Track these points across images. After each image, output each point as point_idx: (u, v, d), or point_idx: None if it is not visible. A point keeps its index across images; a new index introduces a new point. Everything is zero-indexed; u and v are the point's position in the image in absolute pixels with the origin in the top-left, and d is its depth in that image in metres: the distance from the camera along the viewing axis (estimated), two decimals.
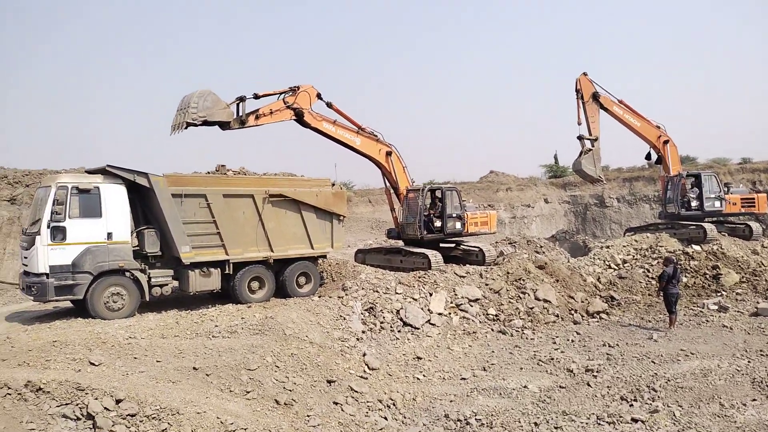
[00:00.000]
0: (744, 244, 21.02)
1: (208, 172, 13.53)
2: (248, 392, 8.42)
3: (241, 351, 9.37)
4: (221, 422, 7.25)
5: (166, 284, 12.18)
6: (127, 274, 11.53)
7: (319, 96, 15.52)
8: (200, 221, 12.33)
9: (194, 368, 8.67)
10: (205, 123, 13.32)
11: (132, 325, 10.38)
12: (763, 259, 19.45)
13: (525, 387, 10.07)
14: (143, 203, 12.68)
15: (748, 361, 10.51)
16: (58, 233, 10.74)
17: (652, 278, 16.99)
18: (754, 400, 8.86)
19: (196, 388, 8.15)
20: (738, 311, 14.69)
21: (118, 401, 7.11)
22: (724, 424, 8.13)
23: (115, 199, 11.48)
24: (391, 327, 12.44)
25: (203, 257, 12.32)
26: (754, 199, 23.10)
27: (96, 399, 7.03)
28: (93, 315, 10.96)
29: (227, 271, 12.70)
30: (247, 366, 8.96)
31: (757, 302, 15.22)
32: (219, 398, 8.04)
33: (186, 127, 13.03)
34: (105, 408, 6.96)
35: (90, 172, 12.35)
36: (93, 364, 8.18)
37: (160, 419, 7.05)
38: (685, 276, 17.54)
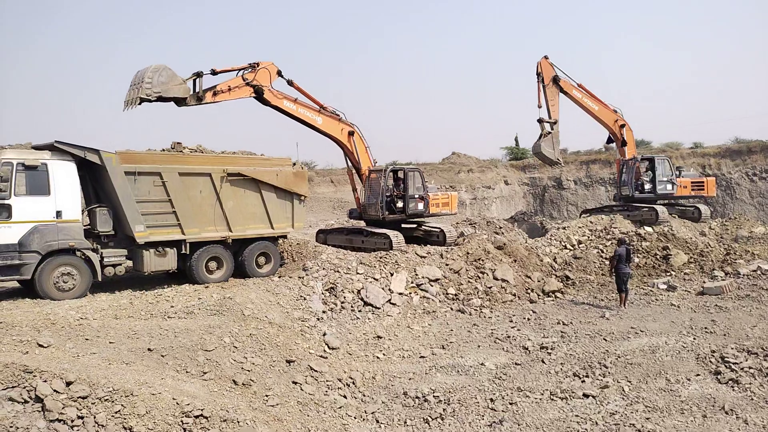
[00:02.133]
0: (693, 226, 21.91)
1: (164, 150, 13.11)
2: (205, 373, 8.31)
3: (198, 332, 9.22)
4: (177, 403, 7.13)
5: (120, 264, 11.84)
6: (78, 253, 11.15)
7: (279, 74, 15.21)
8: (155, 200, 12.00)
9: (149, 349, 8.49)
10: (160, 99, 12.87)
11: (83, 305, 10.07)
12: (710, 240, 20.33)
13: (482, 364, 10.27)
14: (95, 181, 12.24)
15: (694, 338, 10.98)
16: (3, 211, 10.27)
17: (606, 258, 17.50)
18: (698, 375, 9.28)
19: (150, 370, 7.99)
20: (686, 290, 15.29)
21: (68, 383, 6.90)
22: (670, 399, 8.48)
23: (65, 176, 11.03)
24: (351, 307, 12.47)
25: (158, 236, 12.02)
26: (703, 182, 24.05)
27: (45, 381, 6.80)
28: (42, 296, 10.59)
29: (184, 251, 12.44)
30: (204, 347, 8.83)
31: (704, 282, 15.87)
32: (175, 379, 7.91)
33: (140, 103, 12.57)
34: (54, 390, 6.74)
35: (37, 148, 11.78)
36: (41, 345, 7.91)
37: (113, 401, 6.88)
38: (637, 257, 18.14)
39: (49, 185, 10.80)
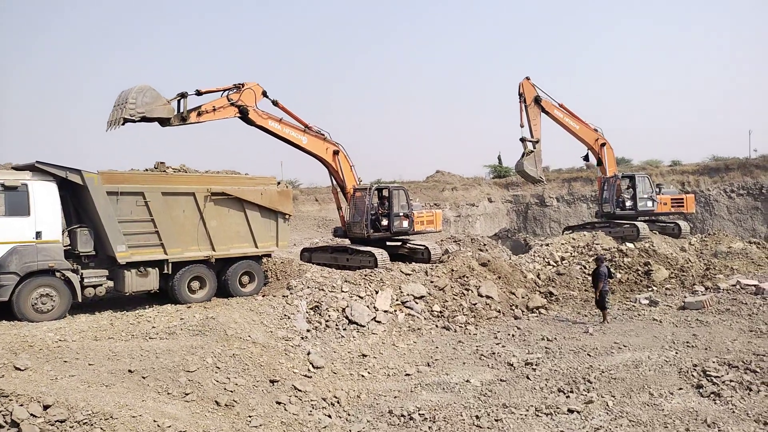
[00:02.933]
0: (673, 242, 22.20)
1: (147, 170, 13.06)
2: (187, 394, 8.18)
3: (180, 352, 9.10)
4: (158, 425, 7.01)
5: (100, 285, 11.68)
6: (58, 274, 11.00)
7: (264, 94, 15.28)
8: (137, 220, 11.91)
9: (129, 371, 8.35)
10: (144, 119, 12.85)
11: (62, 327, 9.91)
12: (690, 255, 20.61)
13: (467, 381, 10.25)
14: (76, 201, 12.12)
15: (676, 352, 11.08)
16: None
17: (589, 275, 17.64)
18: (681, 388, 9.35)
19: (131, 392, 7.85)
20: (667, 305, 15.46)
21: (45, 407, 6.75)
22: (653, 413, 8.53)
23: (45, 196, 10.93)
24: (336, 325, 12.40)
25: (140, 257, 11.90)
26: (683, 199, 24.46)
27: (21, 405, 6.64)
28: (20, 317, 10.39)
29: (166, 271, 12.32)
30: (185, 367, 8.71)
31: (685, 296, 16.07)
32: (156, 401, 7.77)
33: (123, 123, 12.54)
34: (31, 414, 6.59)
35: (18, 168, 11.68)
36: (18, 368, 7.73)
37: (92, 424, 6.74)
38: (619, 272, 18.33)
39: (29, 206, 10.68)
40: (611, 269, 14.79)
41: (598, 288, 14.10)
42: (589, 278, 16.86)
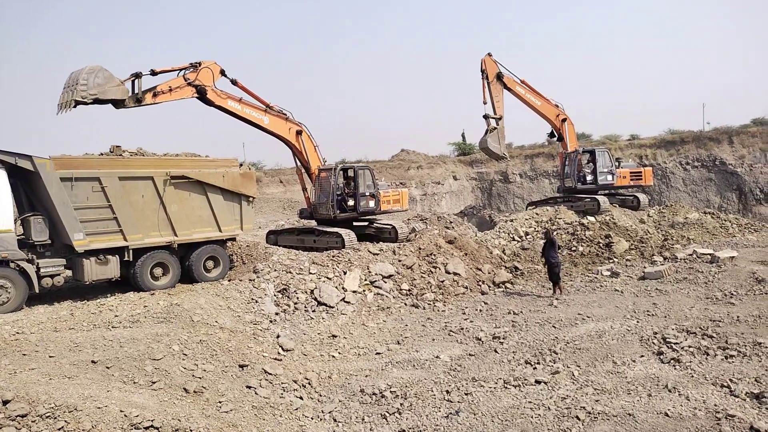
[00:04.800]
0: (633, 214, 22.82)
1: (102, 154, 12.59)
2: (154, 383, 8.01)
3: (145, 341, 8.89)
4: (125, 415, 6.84)
5: (58, 274, 11.31)
6: (12, 264, 10.57)
7: (222, 73, 14.86)
8: (94, 206, 11.53)
9: (93, 361, 8.12)
10: (97, 101, 12.35)
11: (19, 319, 9.56)
12: (649, 227, 21.23)
13: (437, 357, 10.36)
14: (28, 188, 11.64)
15: (637, 321, 11.43)
16: None
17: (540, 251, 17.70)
18: (642, 356, 9.66)
19: (95, 383, 7.63)
20: (628, 276, 15.91)
21: (5, 402, 6.50)
22: (617, 380, 8.79)
23: None
24: (305, 307, 12.34)
25: (99, 244, 11.55)
26: (641, 172, 25.10)
27: None
28: None
29: (127, 258, 12.00)
30: (151, 356, 8.52)
31: (644, 267, 16.55)
32: (122, 391, 7.58)
33: (75, 106, 12.03)
34: None
35: None
36: None
37: (55, 418, 6.53)
38: (581, 245, 18.74)
39: None
40: (557, 242, 14.96)
41: (557, 260, 14.38)
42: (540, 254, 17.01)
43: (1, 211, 10.52)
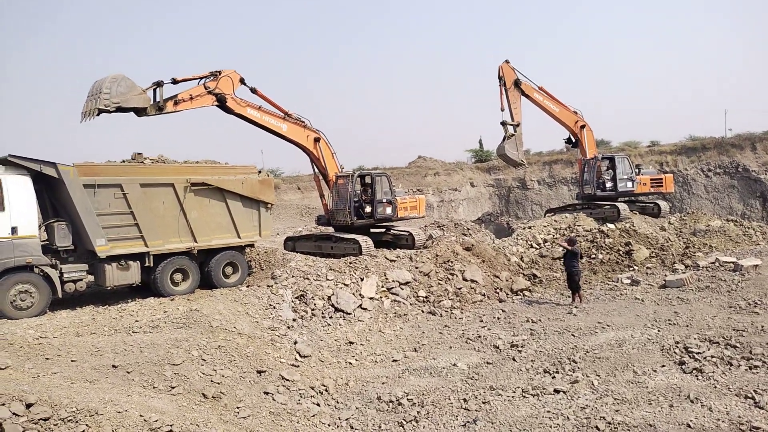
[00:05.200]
0: (653, 222, 22.49)
1: (124, 161, 12.82)
2: (173, 387, 8.10)
3: (165, 346, 9.00)
4: (144, 420, 6.92)
5: (81, 279, 11.50)
6: (36, 270, 10.79)
7: (242, 81, 15.03)
8: (116, 212, 11.72)
9: (113, 366, 8.24)
10: (120, 109, 12.57)
11: (43, 324, 9.74)
12: (670, 235, 20.91)
13: (454, 365, 10.31)
14: (52, 195, 11.88)
15: (658, 330, 11.25)
16: None
17: (560, 258, 17.51)
18: (663, 366, 9.50)
19: (116, 387, 7.74)
20: (648, 284, 15.67)
21: (28, 405, 6.62)
22: (638, 390, 8.66)
23: (20, 191, 10.69)
24: (322, 313, 12.38)
25: (120, 250, 11.73)
26: (662, 179, 24.74)
27: (3, 404, 6.50)
28: None
29: (147, 264, 12.16)
30: (171, 361, 8.61)
31: (665, 275, 16.30)
32: (141, 396, 7.68)
33: (98, 114, 12.25)
34: (13, 414, 6.45)
35: None
36: None
37: (76, 421, 6.63)
38: (601, 253, 18.54)
39: (3, 201, 10.44)
40: (580, 252, 14.75)
41: (577, 269, 14.22)
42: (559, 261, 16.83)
43: (27, 217, 10.75)
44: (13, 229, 10.53)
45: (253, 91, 15.39)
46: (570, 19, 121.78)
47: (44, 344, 8.67)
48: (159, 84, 13.33)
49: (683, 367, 9.34)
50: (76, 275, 11.44)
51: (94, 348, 8.74)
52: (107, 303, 11.65)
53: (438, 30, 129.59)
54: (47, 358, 8.21)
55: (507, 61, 21.84)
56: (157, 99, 13.33)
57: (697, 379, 8.87)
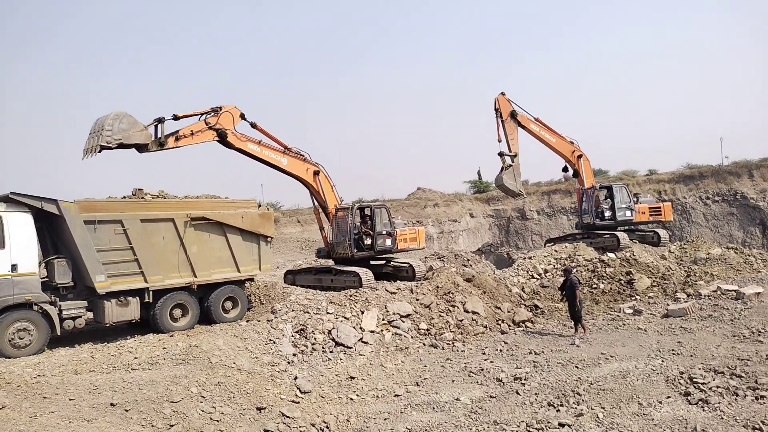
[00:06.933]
0: (653, 250, 22.48)
1: (125, 197, 12.89)
2: (172, 426, 7.99)
3: (163, 383, 8.90)
4: None
5: (80, 316, 11.42)
6: (35, 307, 10.73)
7: (242, 116, 15.26)
8: (116, 248, 11.72)
9: (111, 404, 8.14)
10: (121, 146, 12.74)
11: (41, 362, 9.64)
12: (670, 263, 20.87)
13: (457, 399, 10.17)
14: (52, 231, 11.90)
15: (662, 361, 11.14)
16: None
17: (559, 288, 17.33)
18: (669, 397, 9.38)
19: (114, 426, 7.64)
20: (651, 313, 15.58)
21: None
22: (643, 423, 8.53)
23: (21, 228, 10.72)
24: (323, 348, 12.26)
25: (120, 286, 11.69)
26: (660, 208, 24.85)
27: None
28: None
29: (147, 299, 12.10)
30: (170, 398, 8.51)
31: (668, 304, 16.22)
32: None
33: (100, 151, 12.41)
34: None
35: None
36: None
37: None
38: (602, 282, 18.47)
39: (3, 238, 10.46)
40: (577, 282, 14.51)
41: (576, 298, 14.01)
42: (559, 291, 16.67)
43: (27, 254, 10.76)
44: (13, 267, 10.52)
45: (253, 125, 15.60)
46: (569, 51, 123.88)
47: (42, 383, 8.58)
48: (160, 120, 13.53)
49: (689, 398, 9.22)
50: (75, 312, 11.36)
51: (92, 386, 8.64)
52: (106, 340, 11.56)
53: (435, 62, 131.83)
54: (45, 397, 8.12)
55: (503, 93, 22.21)
56: (159, 135, 13.51)
57: (703, 410, 8.75)
